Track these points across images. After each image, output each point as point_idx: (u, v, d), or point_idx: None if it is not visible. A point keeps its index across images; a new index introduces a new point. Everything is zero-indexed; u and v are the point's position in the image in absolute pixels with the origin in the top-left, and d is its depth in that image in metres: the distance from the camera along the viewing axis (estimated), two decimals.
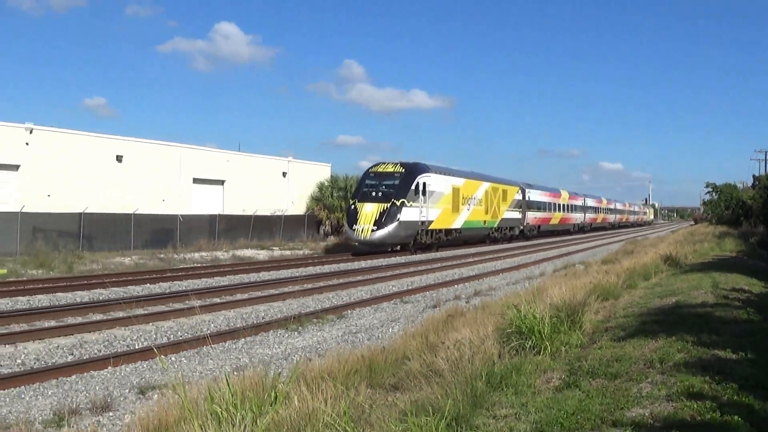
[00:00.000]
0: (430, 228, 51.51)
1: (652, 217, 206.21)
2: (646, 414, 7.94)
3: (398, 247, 49.91)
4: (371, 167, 50.61)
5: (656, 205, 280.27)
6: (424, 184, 50.02)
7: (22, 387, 13.01)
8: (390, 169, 49.54)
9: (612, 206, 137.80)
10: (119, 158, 50.49)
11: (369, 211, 45.99)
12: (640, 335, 12.65)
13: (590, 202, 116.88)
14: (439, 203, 53.04)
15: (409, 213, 47.78)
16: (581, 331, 13.15)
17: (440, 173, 53.91)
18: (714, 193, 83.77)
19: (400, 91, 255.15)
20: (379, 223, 45.51)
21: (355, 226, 45.95)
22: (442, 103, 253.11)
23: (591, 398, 8.85)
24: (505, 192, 69.99)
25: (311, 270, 35.52)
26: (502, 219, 69.25)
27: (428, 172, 51.62)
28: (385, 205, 46.17)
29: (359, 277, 32.14)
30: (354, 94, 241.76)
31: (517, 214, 74.03)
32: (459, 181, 57.48)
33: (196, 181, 58.38)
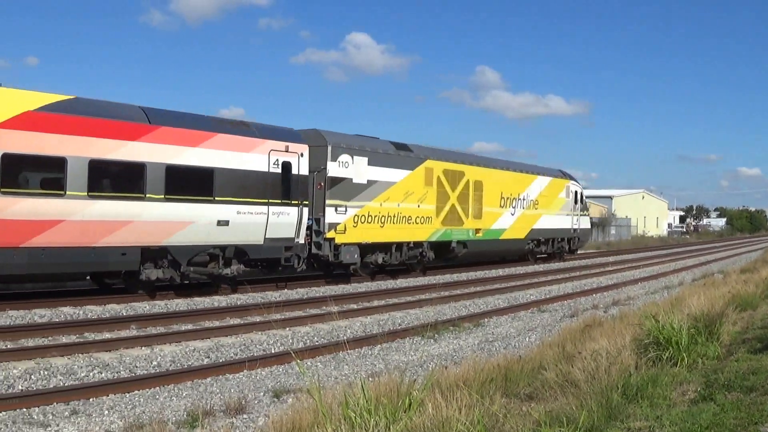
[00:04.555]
0: None
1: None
2: None
3: None
4: None
5: None
6: None
7: (157, 388, 13.16)
8: None
9: None
10: None
11: None
12: None
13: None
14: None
15: None
16: (718, 343, 12.82)
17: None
18: None
19: (535, 96, 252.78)
20: None
21: None
22: (578, 109, 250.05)
23: (725, 412, 8.60)
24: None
25: (448, 277, 35.33)
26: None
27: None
28: None
29: (497, 285, 31.94)
30: (489, 101, 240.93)
31: None
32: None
33: None
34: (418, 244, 34.56)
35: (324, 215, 28.90)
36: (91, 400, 12.21)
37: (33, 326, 17.92)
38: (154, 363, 15.17)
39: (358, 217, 30.53)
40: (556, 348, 13.87)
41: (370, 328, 20.13)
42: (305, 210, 27.69)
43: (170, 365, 15.16)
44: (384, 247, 32.44)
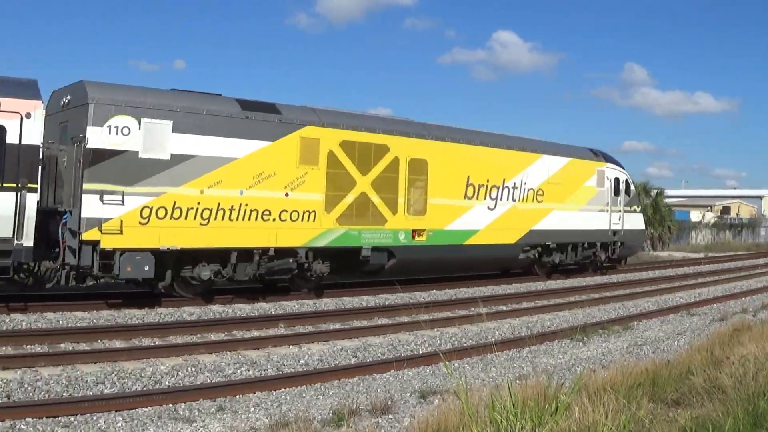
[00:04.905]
0: None
1: None
2: None
3: None
4: None
5: None
6: None
7: (304, 386, 13.17)
8: None
9: None
10: None
11: None
12: None
13: None
14: None
15: None
16: None
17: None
18: None
19: (684, 93, 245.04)
20: None
21: None
22: (727, 106, 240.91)
23: None
24: None
25: (598, 279, 34.67)
26: None
27: None
28: None
29: (646, 288, 31.10)
30: (638, 99, 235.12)
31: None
32: None
33: None
34: (286, 252, 22.95)
35: (80, 206, 19.21)
36: (237, 397, 12.29)
37: (182, 323, 18.33)
38: (302, 361, 15.21)
39: (151, 209, 20.10)
40: (704, 352, 13.67)
41: (519, 330, 19.80)
42: (32, 197, 18.29)
43: (318, 364, 15.18)
44: (216, 257, 21.74)
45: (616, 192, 35.71)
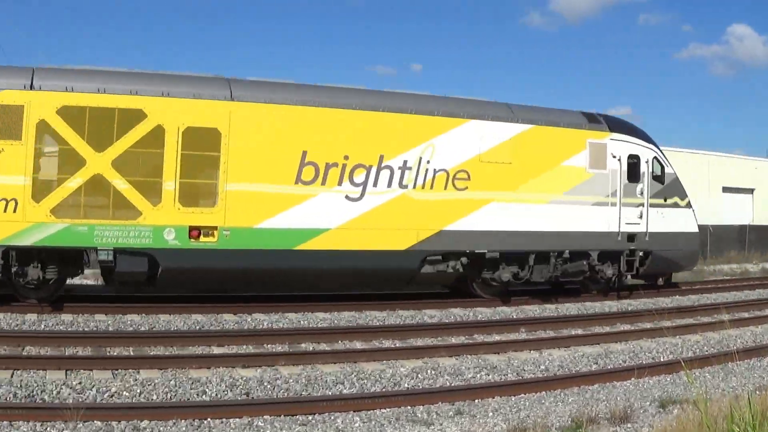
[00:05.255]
0: None
1: None
2: None
3: None
4: None
5: None
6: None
7: (543, 392, 13.24)
8: None
9: None
10: None
11: None
12: None
13: None
14: None
15: None
16: None
17: None
18: None
19: None
20: None
21: None
22: None
23: None
24: None
25: None
26: None
27: None
28: None
29: None
30: None
31: None
32: None
33: (725, 189, 56.82)
34: None
35: None
36: (476, 401, 12.50)
37: (423, 326, 18.75)
38: (542, 367, 15.29)
39: None
40: None
41: (761, 338, 19.17)
42: None
43: (558, 370, 15.24)
44: None
45: (633, 176, 24.58)
